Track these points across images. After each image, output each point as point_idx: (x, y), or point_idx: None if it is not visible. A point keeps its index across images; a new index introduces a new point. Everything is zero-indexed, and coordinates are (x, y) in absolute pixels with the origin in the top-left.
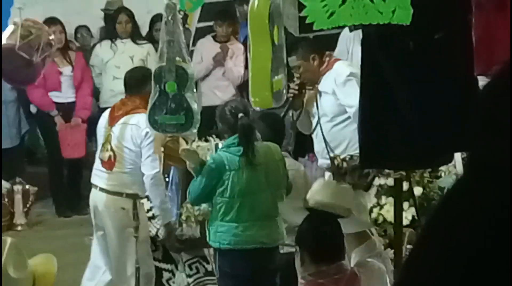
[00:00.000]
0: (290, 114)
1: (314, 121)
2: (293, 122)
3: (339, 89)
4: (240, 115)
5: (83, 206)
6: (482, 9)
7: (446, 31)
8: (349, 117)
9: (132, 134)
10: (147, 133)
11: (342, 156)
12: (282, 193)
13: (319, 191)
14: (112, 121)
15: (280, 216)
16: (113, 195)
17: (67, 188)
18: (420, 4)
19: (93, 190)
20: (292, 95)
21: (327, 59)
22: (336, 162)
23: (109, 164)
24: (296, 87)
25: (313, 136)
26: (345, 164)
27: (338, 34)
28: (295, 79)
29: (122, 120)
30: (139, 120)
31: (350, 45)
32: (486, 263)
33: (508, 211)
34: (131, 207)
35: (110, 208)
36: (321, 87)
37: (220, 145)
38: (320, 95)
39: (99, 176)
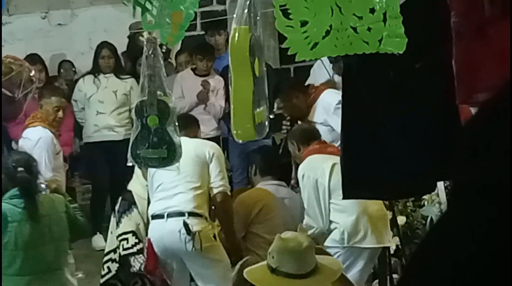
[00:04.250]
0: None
1: None
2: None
3: (331, 118)
4: (20, 169)
5: None
6: (462, 38)
7: (426, 60)
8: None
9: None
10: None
11: None
12: (66, 245)
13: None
14: None
15: (64, 269)
16: None
17: None
18: None
19: None
20: (285, 131)
21: (313, 90)
22: None
23: None
24: (288, 124)
25: None
26: None
27: None
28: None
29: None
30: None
31: (331, 72)
32: None
33: (499, 235)
34: None
35: None
36: (311, 118)
37: None
38: None
39: None
